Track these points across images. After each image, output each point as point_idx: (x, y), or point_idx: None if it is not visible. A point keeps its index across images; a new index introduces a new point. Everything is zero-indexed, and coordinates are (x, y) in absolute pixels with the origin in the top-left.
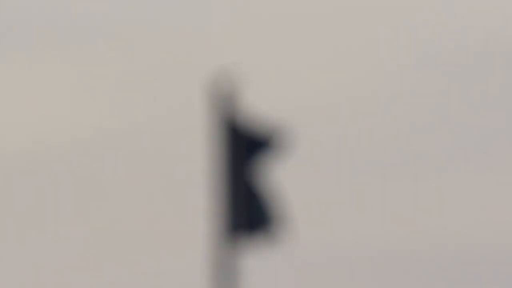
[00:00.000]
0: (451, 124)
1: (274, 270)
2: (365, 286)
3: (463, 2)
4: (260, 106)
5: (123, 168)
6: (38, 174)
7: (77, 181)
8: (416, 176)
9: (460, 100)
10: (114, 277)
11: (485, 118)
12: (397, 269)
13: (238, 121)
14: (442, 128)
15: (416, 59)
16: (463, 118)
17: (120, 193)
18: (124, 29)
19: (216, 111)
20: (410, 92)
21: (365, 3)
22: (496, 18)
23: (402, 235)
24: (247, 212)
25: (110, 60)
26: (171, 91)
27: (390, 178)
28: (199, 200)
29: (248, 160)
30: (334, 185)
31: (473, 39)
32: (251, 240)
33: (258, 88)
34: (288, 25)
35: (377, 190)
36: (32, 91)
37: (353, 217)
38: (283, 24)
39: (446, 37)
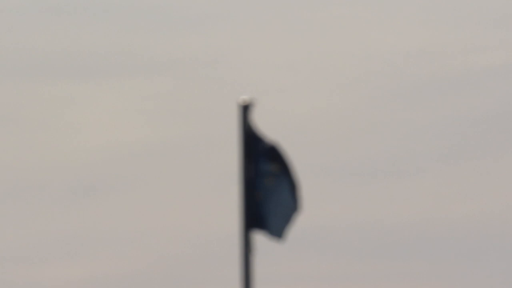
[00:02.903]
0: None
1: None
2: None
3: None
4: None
5: (178, 170)
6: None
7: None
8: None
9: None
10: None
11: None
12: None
13: (254, 131)
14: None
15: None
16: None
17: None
18: (181, 64)
19: (241, 124)
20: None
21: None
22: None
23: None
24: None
25: (171, 89)
26: (211, 111)
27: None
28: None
29: (262, 161)
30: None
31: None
32: (267, 230)
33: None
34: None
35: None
36: (105, 110)
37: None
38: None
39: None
